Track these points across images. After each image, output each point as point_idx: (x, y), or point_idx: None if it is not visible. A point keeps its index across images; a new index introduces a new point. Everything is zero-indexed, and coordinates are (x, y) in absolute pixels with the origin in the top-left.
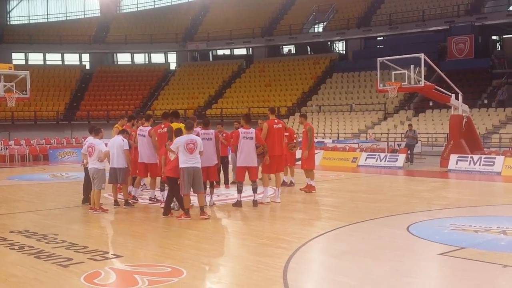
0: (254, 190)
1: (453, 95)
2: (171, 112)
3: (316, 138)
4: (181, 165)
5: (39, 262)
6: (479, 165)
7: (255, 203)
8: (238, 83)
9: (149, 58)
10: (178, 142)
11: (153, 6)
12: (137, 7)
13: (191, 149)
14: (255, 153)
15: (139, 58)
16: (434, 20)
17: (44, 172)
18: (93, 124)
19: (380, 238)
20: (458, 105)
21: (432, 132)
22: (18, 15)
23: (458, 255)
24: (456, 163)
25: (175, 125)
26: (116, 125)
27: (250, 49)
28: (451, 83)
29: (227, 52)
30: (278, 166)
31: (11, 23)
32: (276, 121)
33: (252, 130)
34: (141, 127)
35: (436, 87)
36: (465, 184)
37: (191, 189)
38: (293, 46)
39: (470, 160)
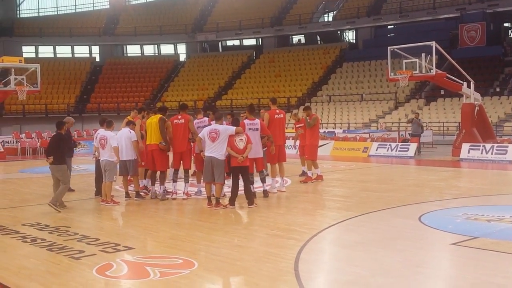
0: (263, 180)
1: (465, 83)
2: (159, 108)
3: (326, 128)
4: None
5: (51, 255)
6: (492, 154)
7: (265, 193)
8: (247, 73)
9: (159, 49)
10: (204, 131)
11: None
12: None
13: (213, 137)
14: (260, 144)
15: (149, 49)
16: (445, 7)
17: None
18: (105, 117)
19: (392, 228)
20: (470, 93)
21: (444, 121)
22: (28, 8)
23: (471, 245)
24: (468, 152)
25: (153, 117)
26: (128, 117)
27: (260, 39)
28: (462, 71)
29: (237, 42)
30: (280, 156)
31: (21, 16)
32: (277, 111)
33: (257, 121)
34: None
35: (447, 75)
36: (477, 173)
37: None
38: (303, 35)
39: (482, 149)
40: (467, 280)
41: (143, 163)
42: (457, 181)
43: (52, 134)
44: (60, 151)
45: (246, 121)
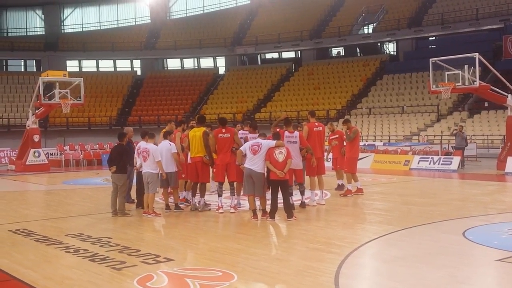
0: (302, 193)
1: (509, 96)
2: (197, 117)
3: (366, 141)
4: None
5: (94, 265)
6: None
7: (303, 205)
8: (286, 86)
9: (198, 63)
10: (245, 145)
11: (202, 12)
12: (186, 13)
13: (255, 150)
14: (300, 156)
15: (189, 63)
16: (489, 18)
17: (98, 177)
18: (146, 129)
19: (435, 243)
20: None
21: (488, 134)
22: (72, 23)
23: None
24: None
25: (196, 130)
26: (164, 130)
27: (299, 52)
28: (507, 83)
29: (276, 55)
30: (319, 169)
31: (65, 32)
32: (316, 124)
33: (296, 134)
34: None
35: (491, 87)
36: None
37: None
38: (342, 48)
39: None
40: None
41: (183, 175)
42: (502, 196)
43: (113, 145)
44: (122, 161)
45: (286, 133)
